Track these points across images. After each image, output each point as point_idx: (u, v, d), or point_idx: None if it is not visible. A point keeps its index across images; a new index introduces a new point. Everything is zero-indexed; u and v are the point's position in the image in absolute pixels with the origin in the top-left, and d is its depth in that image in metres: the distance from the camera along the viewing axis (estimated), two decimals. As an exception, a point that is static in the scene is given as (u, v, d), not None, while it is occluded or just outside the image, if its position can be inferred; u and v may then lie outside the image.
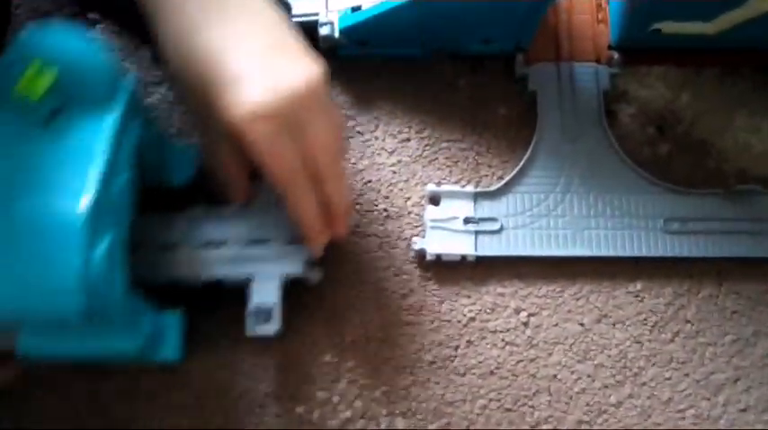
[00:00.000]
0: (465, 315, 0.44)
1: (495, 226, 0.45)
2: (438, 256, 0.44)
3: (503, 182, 0.46)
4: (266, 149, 0.35)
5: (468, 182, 0.47)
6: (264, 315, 0.40)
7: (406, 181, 0.47)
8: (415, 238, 0.45)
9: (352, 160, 0.47)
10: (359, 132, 0.48)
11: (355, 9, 0.45)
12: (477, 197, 0.45)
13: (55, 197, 0.33)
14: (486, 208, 0.45)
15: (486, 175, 0.47)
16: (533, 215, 0.45)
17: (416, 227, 0.46)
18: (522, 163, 0.46)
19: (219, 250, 0.41)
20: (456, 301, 0.45)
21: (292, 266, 0.41)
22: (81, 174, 0.34)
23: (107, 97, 0.36)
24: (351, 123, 0.48)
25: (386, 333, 0.44)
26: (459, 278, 0.45)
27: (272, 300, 0.40)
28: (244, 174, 0.40)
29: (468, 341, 0.44)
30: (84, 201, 0.33)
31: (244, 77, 0.34)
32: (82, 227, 0.33)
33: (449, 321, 0.44)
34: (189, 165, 0.43)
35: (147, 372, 0.43)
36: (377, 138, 0.48)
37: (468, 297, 0.45)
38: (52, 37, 0.36)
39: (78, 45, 0.36)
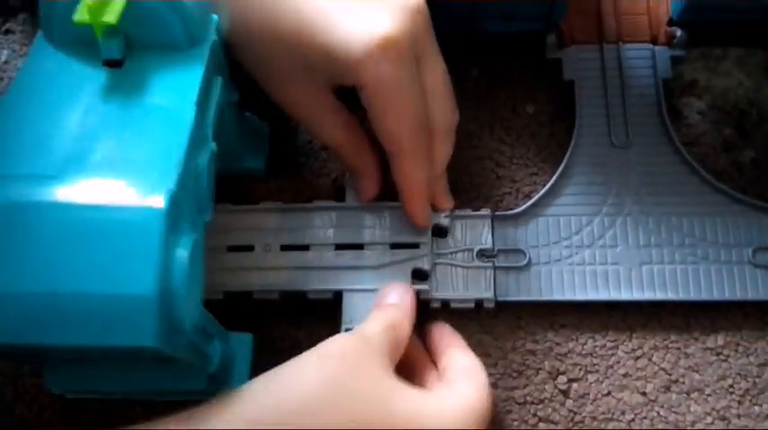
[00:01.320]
0: (482, 380, 0.33)
1: (521, 260, 0.33)
2: (445, 303, 0.33)
3: (530, 202, 0.34)
4: (389, 89, 0.29)
5: (485, 202, 0.36)
6: None
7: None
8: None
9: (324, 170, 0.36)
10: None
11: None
12: (495, 222, 0.34)
13: (125, 174, 0.23)
14: (509, 237, 0.34)
15: (509, 193, 0.36)
16: (571, 246, 0.34)
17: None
18: (555, 176, 0.35)
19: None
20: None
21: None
22: (158, 146, 0.24)
23: (187, 41, 0.27)
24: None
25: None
26: (473, 331, 0.34)
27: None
28: (367, 144, 0.34)
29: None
30: (165, 185, 0.23)
31: (353, 9, 0.30)
32: (160, 221, 0.22)
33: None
34: (263, 146, 0.36)
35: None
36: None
37: (488, 356, 0.33)
38: None
39: None
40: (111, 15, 0.25)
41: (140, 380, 0.28)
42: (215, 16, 0.29)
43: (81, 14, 0.25)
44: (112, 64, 0.26)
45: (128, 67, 0.26)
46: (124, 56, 0.26)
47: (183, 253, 0.23)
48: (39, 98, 0.25)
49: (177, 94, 0.26)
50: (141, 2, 0.26)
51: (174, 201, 0.23)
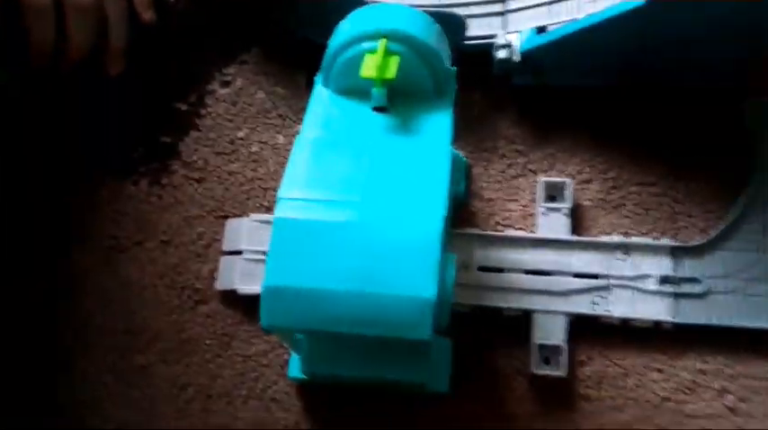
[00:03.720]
0: (656, 393, 0.37)
1: (699, 288, 0.37)
2: (625, 321, 0.37)
3: (710, 236, 0.38)
4: None
5: (663, 233, 0.40)
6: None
7: (587, 228, 0.40)
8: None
9: (521, 201, 0.41)
10: (531, 171, 0.42)
11: (541, 30, 0.39)
12: (675, 252, 0.38)
13: (405, 201, 0.29)
14: (687, 267, 0.38)
15: (686, 227, 0.40)
16: (747, 279, 0.37)
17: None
18: (735, 215, 0.38)
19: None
20: (645, 376, 0.37)
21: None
22: (427, 178, 0.30)
23: (438, 88, 0.32)
24: (522, 160, 0.42)
25: (558, 405, 0.37)
26: (650, 348, 0.38)
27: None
28: None
29: (658, 425, 0.36)
30: (438, 211, 0.29)
31: None
32: (437, 245, 0.28)
33: (635, 399, 0.37)
34: (464, 176, 0.41)
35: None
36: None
37: (661, 371, 0.37)
38: (386, 14, 0.32)
39: (413, 22, 0.32)
40: (391, 72, 0.30)
41: (377, 369, 0.33)
42: (455, 69, 0.34)
43: (367, 70, 0.30)
44: (380, 109, 0.32)
45: (392, 112, 0.32)
46: (389, 103, 0.32)
47: (451, 267, 0.28)
48: (326, 134, 0.31)
49: (436, 135, 0.31)
50: (409, 58, 0.31)
51: (444, 225, 0.28)
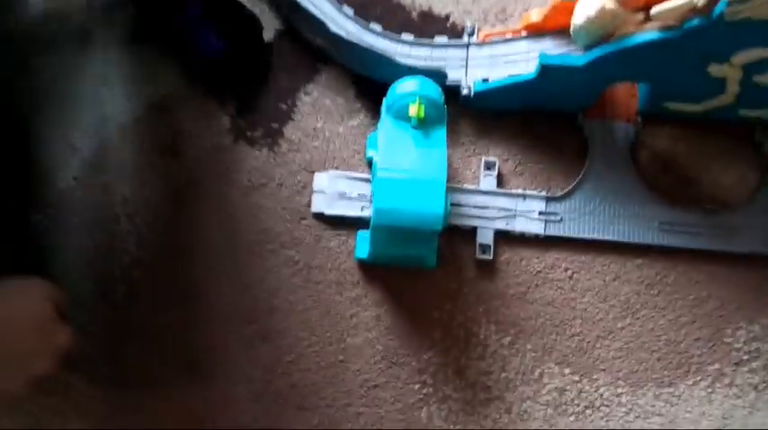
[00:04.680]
0: (535, 268, 0.75)
1: (558, 218, 0.75)
2: (522, 233, 0.75)
3: (564, 191, 0.76)
4: None
5: (542, 189, 0.77)
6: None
7: (505, 185, 0.77)
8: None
9: (472, 169, 0.77)
10: (477, 153, 0.77)
11: (485, 80, 0.75)
12: (548, 199, 0.75)
13: (424, 169, 0.65)
14: (553, 206, 0.75)
15: (554, 185, 0.77)
16: (583, 213, 0.75)
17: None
18: (578, 179, 0.76)
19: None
20: (530, 260, 0.75)
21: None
22: (438, 159, 0.65)
23: (439, 119, 0.68)
24: (472, 147, 0.78)
25: (487, 275, 0.74)
26: (533, 247, 0.75)
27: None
28: None
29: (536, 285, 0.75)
30: (443, 176, 0.65)
31: None
32: (443, 191, 0.64)
33: (526, 271, 0.75)
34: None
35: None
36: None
37: (538, 258, 0.75)
38: (417, 83, 0.67)
39: (431, 88, 0.67)
40: (421, 113, 0.65)
41: (410, 250, 0.70)
42: (446, 107, 0.69)
43: (412, 112, 0.65)
44: (415, 127, 0.67)
45: (419, 127, 0.67)
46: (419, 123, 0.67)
47: (448, 202, 0.64)
48: (391, 138, 0.66)
49: (439, 136, 0.66)
50: (428, 105, 0.66)
51: (445, 181, 0.64)
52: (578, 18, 0.65)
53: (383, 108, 0.68)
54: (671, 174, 0.78)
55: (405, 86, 0.66)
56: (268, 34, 0.78)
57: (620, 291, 0.74)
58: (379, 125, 0.69)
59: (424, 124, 0.66)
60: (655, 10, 0.60)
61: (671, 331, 0.74)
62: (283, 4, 0.77)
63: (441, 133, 0.67)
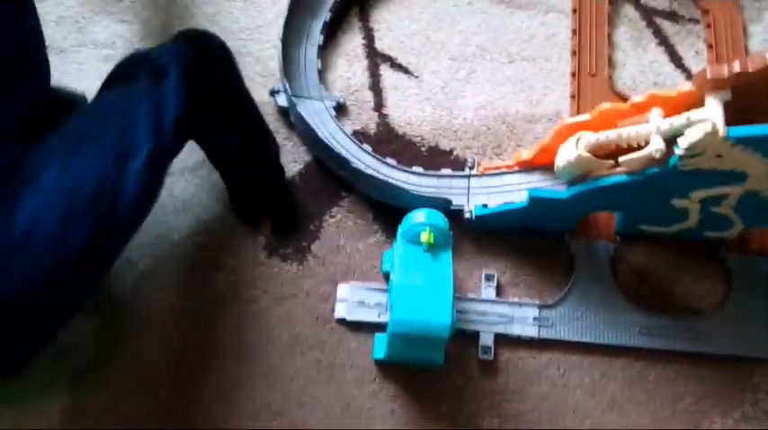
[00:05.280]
0: (530, 367, 0.85)
1: (550, 323, 0.86)
2: (518, 336, 0.85)
3: (555, 300, 0.87)
4: None
5: (535, 297, 0.88)
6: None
7: (503, 294, 0.88)
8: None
9: (474, 280, 0.89)
10: (477, 266, 0.89)
11: (484, 206, 0.87)
12: (540, 307, 0.86)
13: (433, 285, 0.76)
14: (545, 313, 0.86)
15: (546, 294, 0.88)
16: (572, 319, 0.86)
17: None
18: (567, 290, 0.87)
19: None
20: (527, 361, 0.85)
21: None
22: (445, 277, 0.76)
23: (445, 243, 0.79)
24: (475, 260, 0.89)
25: (488, 372, 0.85)
26: (529, 349, 0.86)
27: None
28: None
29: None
30: (450, 292, 0.76)
31: None
32: (450, 304, 0.75)
33: (522, 369, 0.85)
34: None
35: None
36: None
37: (534, 358, 0.86)
38: (426, 214, 0.79)
39: (438, 219, 0.79)
40: (431, 239, 0.77)
41: (421, 353, 0.80)
42: (451, 232, 0.81)
43: (424, 238, 0.77)
44: (426, 251, 0.79)
45: (429, 250, 0.79)
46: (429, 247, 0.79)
47: (454, 314, 0.76)
48: (406, 258, 0.78)
49: (446, 258, 0.78)
50: (436, 233, 0.79)
51: (453, 295, 0.76)
52: (560, 160, 0.78)
53: (398, 234, 0.80)
54: (647, 285, 0.90)
55: (417, 217, 0.79)
56: (297, 166, 0.92)
57: (606, 388, 0.85)
58: (394, 247, 0.81)
59: (433, 248, 0.78)
60: (621, 159, 0.73)
61: (653, 424, 0.84)
62: (313, 142, 0.91)
63: (447, 255, 0.78)
